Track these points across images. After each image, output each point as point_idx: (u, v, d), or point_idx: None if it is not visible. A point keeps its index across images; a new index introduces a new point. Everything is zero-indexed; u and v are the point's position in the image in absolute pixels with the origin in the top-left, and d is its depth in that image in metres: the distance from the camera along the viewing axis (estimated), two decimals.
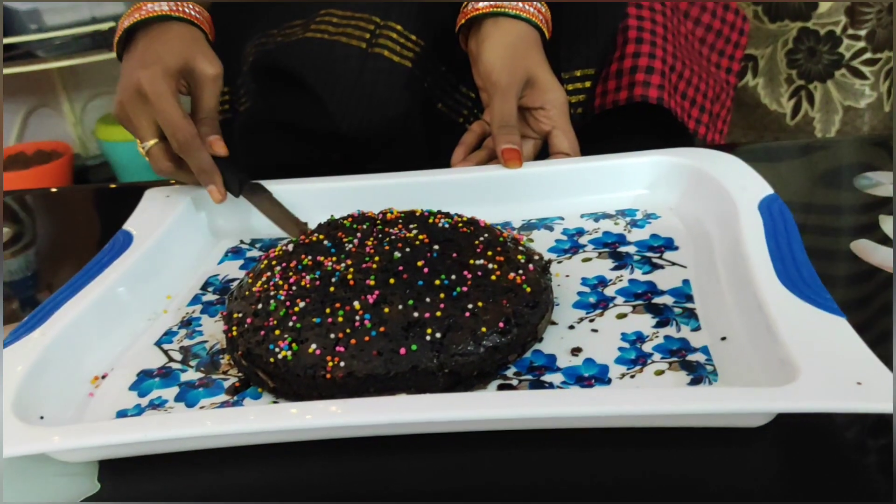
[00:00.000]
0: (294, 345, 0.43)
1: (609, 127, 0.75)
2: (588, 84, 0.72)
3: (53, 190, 0.89)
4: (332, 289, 0.45)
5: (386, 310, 0.43)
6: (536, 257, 0.49)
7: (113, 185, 0.90)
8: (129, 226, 0.58)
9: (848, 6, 1.27)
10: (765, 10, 1.34)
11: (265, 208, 0.60)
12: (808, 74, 1.35)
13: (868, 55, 1.30)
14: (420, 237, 0.48)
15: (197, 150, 0.59)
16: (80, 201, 0.86)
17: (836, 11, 1.29)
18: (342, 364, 0.42)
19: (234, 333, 0.46)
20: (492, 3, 0.64)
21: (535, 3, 0.64)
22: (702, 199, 0.56)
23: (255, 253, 0.60)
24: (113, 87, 2.06)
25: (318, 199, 0.61)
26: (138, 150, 0.62)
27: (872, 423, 0.39)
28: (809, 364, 0.36)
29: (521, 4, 0.64)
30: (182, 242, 0.59)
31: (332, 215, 0.54)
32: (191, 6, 0.64)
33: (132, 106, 0.59)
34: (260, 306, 0.46)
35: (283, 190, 0.62)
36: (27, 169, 1.94)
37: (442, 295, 0.44)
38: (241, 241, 0.62)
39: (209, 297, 0.55)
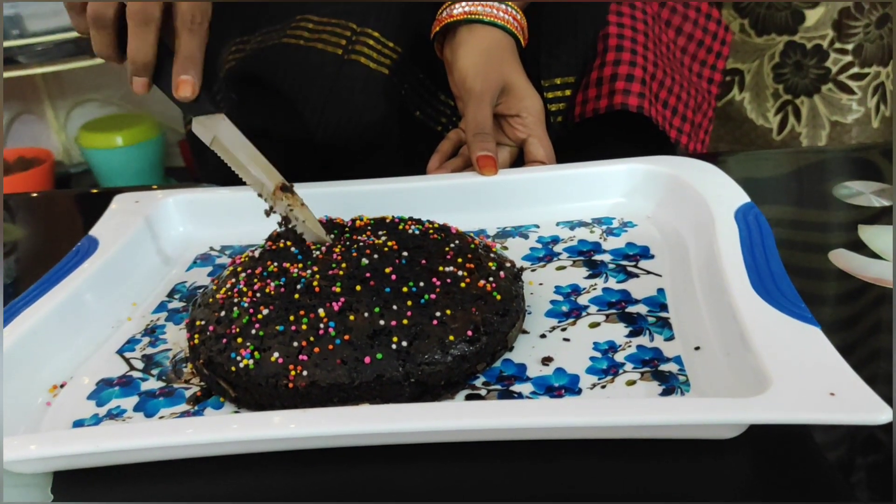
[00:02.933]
0: (256, 353, 0.42)
1: (590, 135, 0.74)
2: (568, 92, 0.72)
3: (34, 194, 0.88)
4: (296, 296, 0.43)
5: (351, 317, 0.42)
6: (508, 265, 0.48)
7: (95, 190, 0.89)
8: (95, 232, 0.57)
9: (835, 20, 1.28)
10: (751, 24, 1.34)
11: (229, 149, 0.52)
12: (794, 89, 1.35)
13: (855, 70, 1.30)
14: (389, 244, 0.47)
15: (149, 27, 0.48)
16: (62, 206, 0.85)
17: (823, 25, 1.29)
18: (305, 373, 0.40)
19: (197, 341, 0.45)
20: (467, 10, 0.63)
21: (510, 10, 0.64)
22: (678, 207, 0.55)
23: (224, 260, 0.59)
24: (97, 94, 2.03)
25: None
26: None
27: (847, 433, 0.38)
28: (782, 374, 0.35)
29: (496, 12, 0.63)
30: (150, 249, 0.58)
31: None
32: None
33: None
34: (223, 314, 0.44)
35: (255, 196, 0.60)
36: (8, 176, 1.92)
37: (409, 302, 0.43)
38: (211, 248, 0.61)
39: (175, 304, 0.53)
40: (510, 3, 0.64)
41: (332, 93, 0.69)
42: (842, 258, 0.52)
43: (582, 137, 0.73)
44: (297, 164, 0.74)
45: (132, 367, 0.47)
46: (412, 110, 0.74)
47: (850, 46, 1.29)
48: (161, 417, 0.42)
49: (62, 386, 0.46)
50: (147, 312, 0.53)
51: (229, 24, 0.76)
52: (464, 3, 0.64)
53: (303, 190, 0.61)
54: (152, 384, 0.45)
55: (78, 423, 0.43)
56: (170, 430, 0.37)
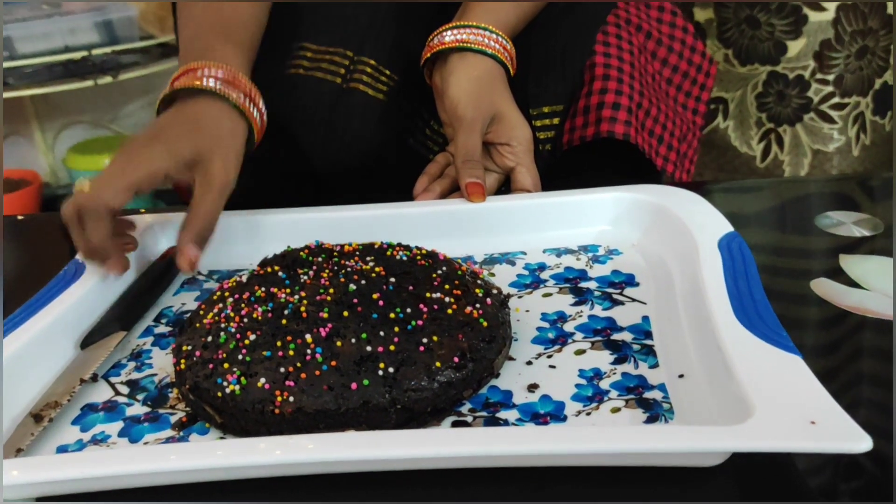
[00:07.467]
0: (243, 379, 0.42)
1: (578, 163, 0.75)
2: (556, 120, 0.73)
3: (20, 217, 0.87)
4: (284, 321, 0.44)
5: (338, 343, 0.42)
6: (495, 291, 0.49)
7: None
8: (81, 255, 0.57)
9: (816, 51, 1.30)
10: (735, 54, 1.36)
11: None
12: (777, 118, 1.37)
13: (836, 100, 1.33)
14: (377, 269, 0.47)
15: (98, 219, 0.51)
16: (49, 229, 0.85)
17: (805, 56, 1.31)
18: (291, 399, 0.41)
19: (183, 367, 0.45)
20: (458, 38, 0.64)
21: (500, 39, 0.65)
22: (663, 236, 0.56)
23: (211, 284, 0.59)
24: (85, 117, 2.02)
25: (277, 230, 0.60)
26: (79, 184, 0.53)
27: (829, 460, 0.38)
28: (764, 403, 0.36)
29: (486, 41, 0.64)
30: (136, 273, 0.58)
31: (288, 246, 0.53)
32: (250, 89, 0.59)
33: (125, 148, 0.55)
34: (210, 339, 0.45)
35: (243, 221, 0.61)
36: None
37: (396, 328, 0.43)
38: (198, 273, 0.61)
39: (161, 328, 0.53)
40: (499, 33, 0.65)
41: (332, 121, 0.70)
42: (822, 287, 0.53)
43: (570, 165, 0.73)
44: (290, 188, 0.74)
45: (117, 392, 0.47)
46: (405, 138, 0.75)
47: (830, 77, 1.32)
48: (146, 443, 0.42)
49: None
50: (133, 337, 0.52)
51: None
52: (454, 31, 0.65)
53: (288, 215, 0.61)
54: (137, 409, 0.45)
55: (62, 449, 0.42)
56: (154, 456, 0.37)
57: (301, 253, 0.51)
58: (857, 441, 0.33)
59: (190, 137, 0.55)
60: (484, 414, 0.42)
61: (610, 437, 0.35)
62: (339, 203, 0.62)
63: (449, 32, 0.65)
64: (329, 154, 0.71)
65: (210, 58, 0.58)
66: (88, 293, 0.53)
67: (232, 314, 0.45)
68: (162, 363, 0.49)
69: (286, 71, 0.71)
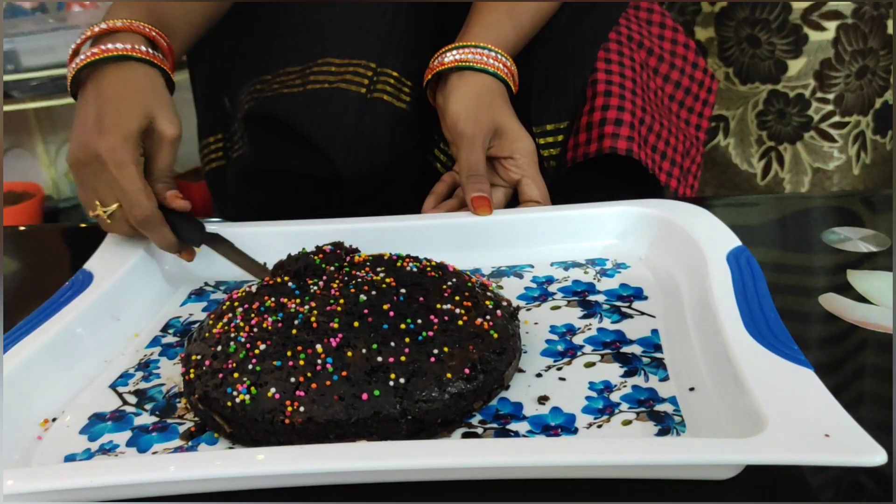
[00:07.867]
0: (253, 388, 0.42)
1: (583, 180, 0.75)
2: (560, 138, 0.73)
3: (22, 228, 0.87)
4: (294, 331, 0.44)
5: (349, 353, 0.42)
6: (505, 303, 0.49)
7: (84, 224, 0.88)
8: (89, 265, 0.57)
9: (816, 70, 1.31)
10: (736, 73, 1.37)
11: (228, 255, 0.59)
12: (777, 136, 1.37)
13: (836, 118, 1.33)
14: (387, 280, 0.47)
15: (156, 226, 0.57)
16: (50, 240, 0.85)
17: (805, 75, 1.32)
18: (301, 409, 0.40)
19: (192, 376, 0.44)
20: (457, 58, 0.65)
21: (500, 57, 0.65)
22: (671, 249, 0.56)
23: (219, 295, 0.59)
24: None
25: (287, 242, 0.60)
26: (91, 213, 0.58)
27: (841, 473, 0.38)
28: (777, 416, 0.36)
29: (486, 59, 0.65)
30: (144, 283, 0.58)
31: (303, 248, 0.52)
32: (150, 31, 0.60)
33: (90, 170, 0.56)
34: (219, 348, 0.44)
35: (252, 232, 0.61)
36: None
37: (407, 339, 0.43)
38: (206, 284, 0.61)
39: (169, 338, 0.53)
40: (498, 51, 0.66)
41: (359, 127, 0.70)
42: (831, 302, 0.53)
43: (574, 182, 0.74)
44: (306, 200, 0.74)
45: (125, 402, 0.47)
46: (430, 147, 0.76)
47: (831, 96, 1.32)
48: (154, 453, 0.42)
49: (54, 420, 0.45)
50: (140, 347, 0.52)
51: (246, 66, 0.76)
52: (455, 52, 0.66)
53: (297, 226, 0.62)
54: (145, 419, 0.45)
55: (69, 458, 0.42)
56: (163, 465, 0.37)
57: (315, 258, 0.50)
58: (872, 454, 0.33)
59: (129, 111, 0.56)
60: (494, 426, 0.42)
61: (623, 449, 0.35)
62: (354, 214, 0.62)
63: (449, 53, 0.66)
64: (357, 163, 0.71)
65: (104, 21, 0.60)
66: (97, 302, 0.52)
67: (242, 324, 0.45)
68: (170, 373, 0.49)
69: (312, 88, 0.71)
